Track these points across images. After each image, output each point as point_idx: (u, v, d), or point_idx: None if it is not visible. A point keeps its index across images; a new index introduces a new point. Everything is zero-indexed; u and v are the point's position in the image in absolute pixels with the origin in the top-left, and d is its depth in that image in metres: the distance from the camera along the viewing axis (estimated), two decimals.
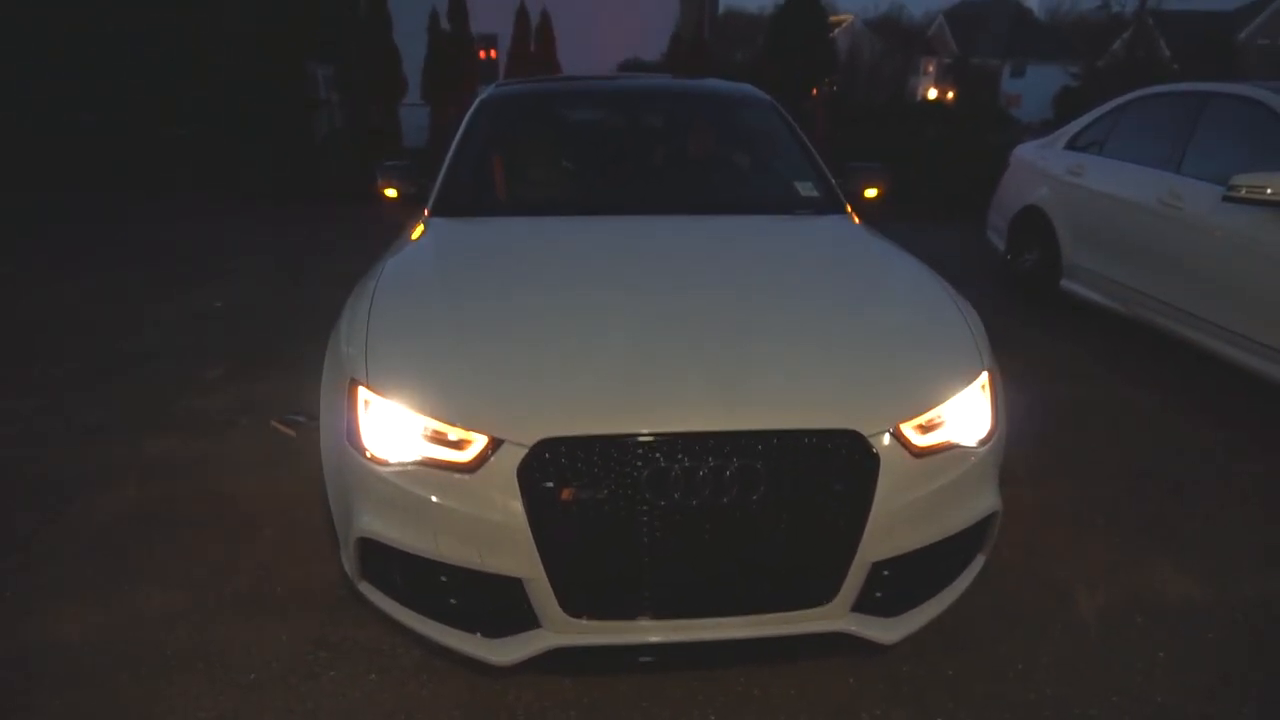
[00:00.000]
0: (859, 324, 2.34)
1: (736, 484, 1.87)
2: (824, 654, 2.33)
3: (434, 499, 1.94)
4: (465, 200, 3.26)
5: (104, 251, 7.28)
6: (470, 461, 1.92)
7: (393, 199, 3.36)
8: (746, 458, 1.88)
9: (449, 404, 1.98)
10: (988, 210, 6.59)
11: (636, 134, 3.85)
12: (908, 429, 2.02)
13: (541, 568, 1.90)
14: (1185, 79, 6.29)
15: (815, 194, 3.34)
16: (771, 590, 2.00)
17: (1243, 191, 3.96)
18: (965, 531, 2.14)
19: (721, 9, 27.83)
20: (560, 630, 1.97)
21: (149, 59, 10.21)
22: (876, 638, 2.06)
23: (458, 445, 1.94)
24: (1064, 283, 5.48)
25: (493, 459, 1.90)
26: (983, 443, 2.16)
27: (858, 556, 1.97)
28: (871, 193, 3.41)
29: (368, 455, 2.02)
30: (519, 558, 1.90)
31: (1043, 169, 5.86)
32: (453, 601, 2.06)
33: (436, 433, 1.96)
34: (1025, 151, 6.32)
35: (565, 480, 1.88)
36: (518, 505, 1.87)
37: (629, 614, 1.97)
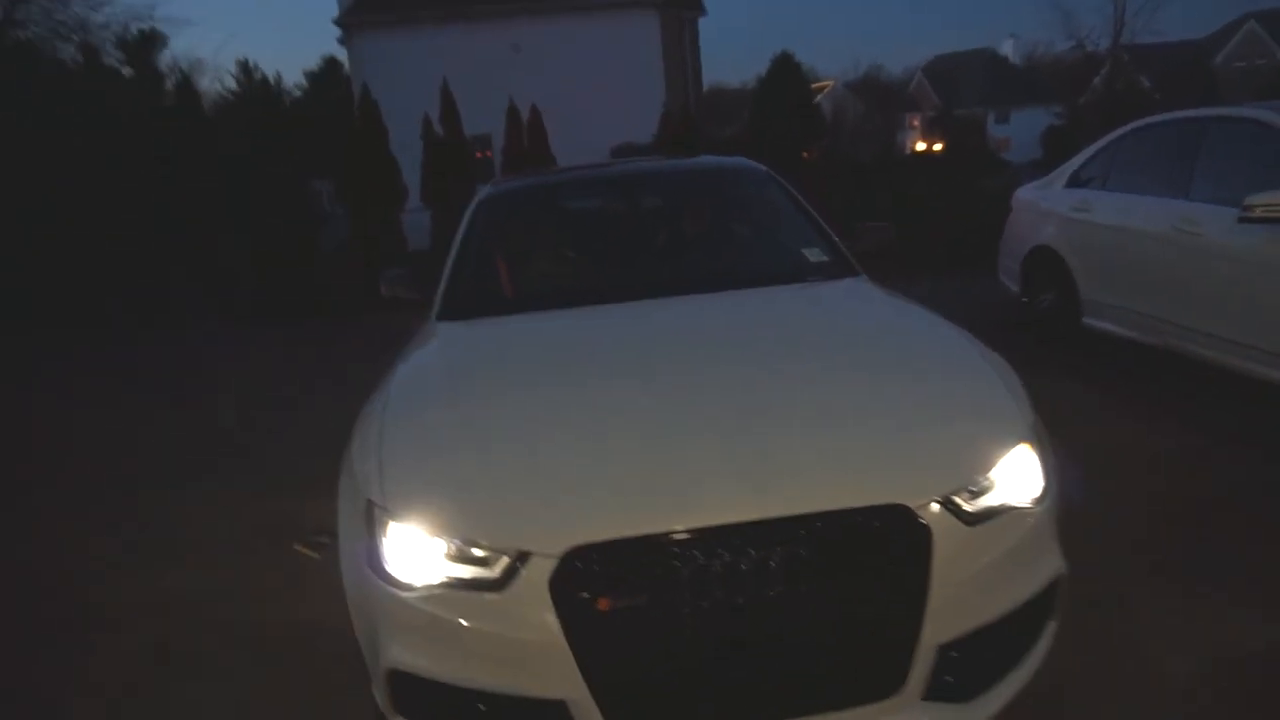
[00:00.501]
0: (890, 391, 2.22)
1: (782, 575, 1.75)
2: None
3: (463, 622, 1.82)
4: (470, 302, 3.21)
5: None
6: (498, 578, 1.80)
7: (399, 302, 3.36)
8: (789, 545, 1.76)
9: (470, 520, 1.87)
10: (997, 255, 6.54)
11: (637, 218, 3.82)
12: (957, 497, 1.89)
13: (585, 686, 1.76)
14: (1168, 108, 6.32)
15: (825, 259, 3.28)
16: (835, 686, 1.85)
17: (1258, 211, 3.94)
18: (1033, 599, 2.00)
19: (705, 87, 28.65)
20: None
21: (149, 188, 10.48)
22: None
23: (483, 562, 1.83)
24: (1086, 320, 5.37)
25: (522, 573, 1.78)
26: (1038, 501, 2.03)
27: (923, 639, 1.82)
28: (880, 250, 3.35)
29: (390, 580, 1.90)
30: (559, 677, 1.77)
31: (1047, 209, 5.83)
32: None
33: (460, 551, 1.85)
34: (1027, 193, 6.31)
35: (600, 589, 1.76)
36: (552, 621, 1.75)
37: None
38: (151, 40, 21.66)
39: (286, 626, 3.01)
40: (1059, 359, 5.34)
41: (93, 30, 16.24)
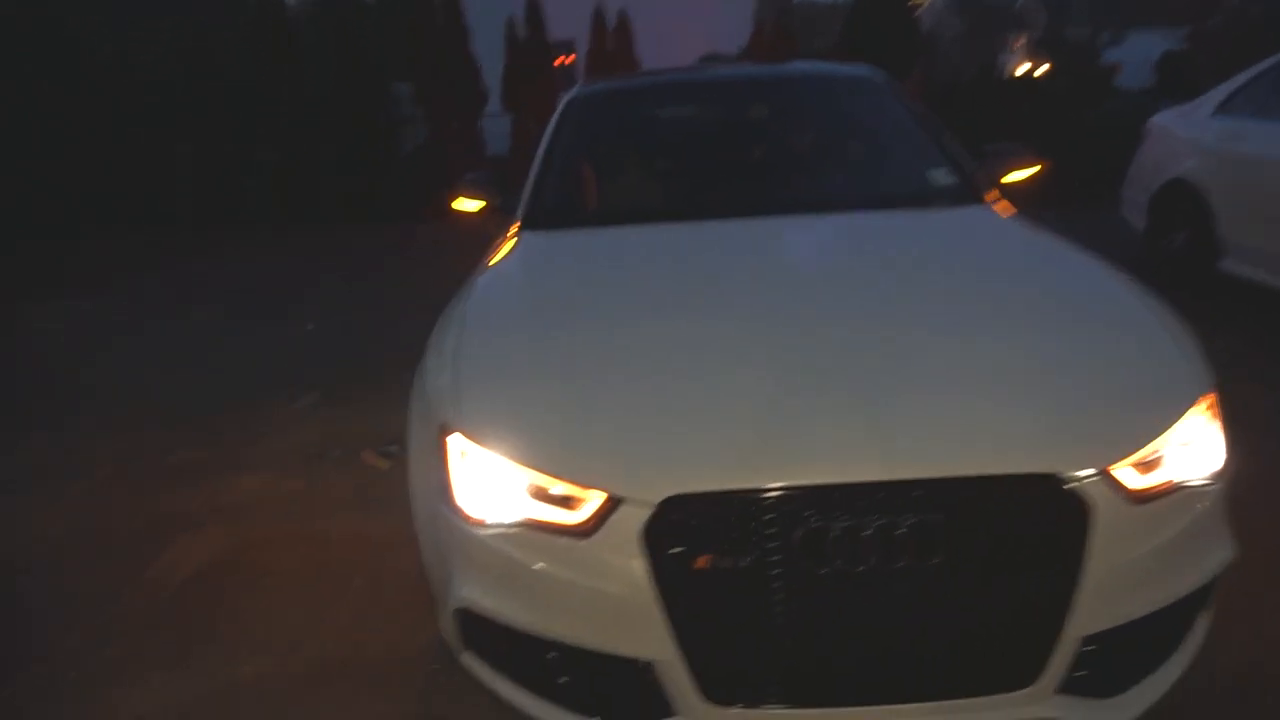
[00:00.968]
0: (1042, 343, 1.90)
1: (911, 545, 1.51)
2: None
3: (543, 566, 1.65)
4: (558, 211, 2.96)
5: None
6: (584, 523, 1.61)
7: (475, 213, 3.12)
8: (921, 513, 1.52)
9: (558, 455, 1.67)
10: (1120, 188, 5.96)
11: (741, 127, 3.47)
12: (1120, 469, 1.61)
13: (676, 649, 1.58)
14: None
15: (951, 182, 2.91)
16: (961, 672, 1.62)
17: None
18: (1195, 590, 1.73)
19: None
20: None
21: (234, 90, 10.47)
22: None
23: (569, 504, 1.63)
24: (1224, 263, 4.84)
25: (611, 520, 1.58)
26: (1217, 477, 1.73)
27: (1067, 629, 1.58)
28: (1019, 176, 2.96)
29: (462, 515, 1.73)
30: (648, 637, 1.59)
31: (1189, 138, 5.21)
32: (568, 681, 1.75)
33: (543, 488, 1.66)
34: (1165, 120, 5.66)
35: (700, 545, 1.55)
36: (643, 575, 1.56)
37: (788, 702, 1.62)
38: None
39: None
40: (1190, 307, 4.85)
41: None
